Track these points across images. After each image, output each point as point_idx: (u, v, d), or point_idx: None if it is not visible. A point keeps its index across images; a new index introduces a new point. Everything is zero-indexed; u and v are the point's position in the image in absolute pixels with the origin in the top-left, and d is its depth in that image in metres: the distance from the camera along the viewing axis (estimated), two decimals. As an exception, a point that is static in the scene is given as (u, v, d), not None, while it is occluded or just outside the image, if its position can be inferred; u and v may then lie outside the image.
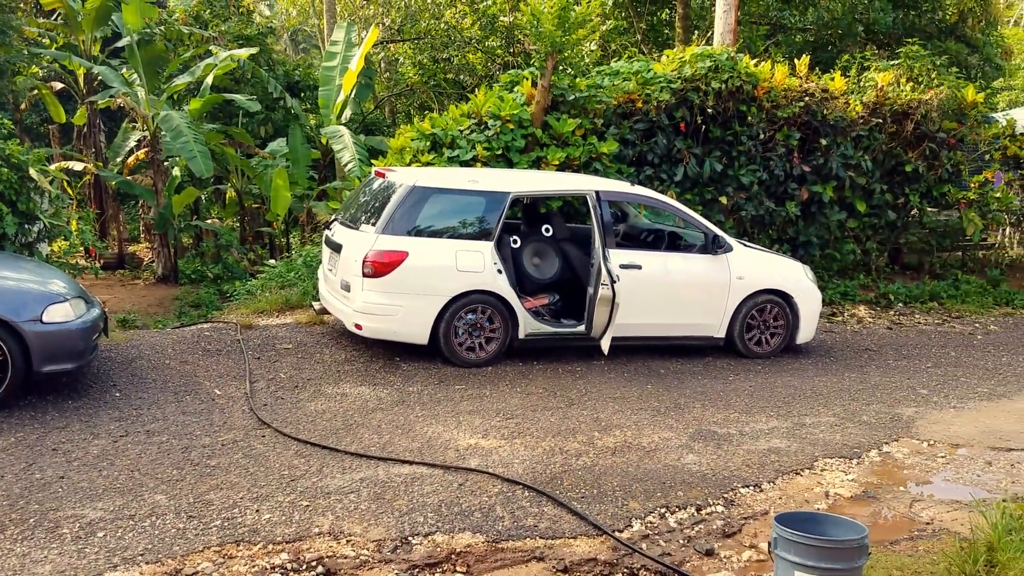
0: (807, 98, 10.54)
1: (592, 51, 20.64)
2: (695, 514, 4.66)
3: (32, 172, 7.55)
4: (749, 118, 10.37)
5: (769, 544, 3.27)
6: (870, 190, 10.95)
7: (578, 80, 10.11)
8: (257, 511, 4.34)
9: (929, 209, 11.81)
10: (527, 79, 9.97)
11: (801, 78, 10.79)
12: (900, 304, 10.71)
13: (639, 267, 7.41)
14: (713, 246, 7.75)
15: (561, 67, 9.96)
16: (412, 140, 9.24)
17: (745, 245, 8.35)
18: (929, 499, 4.95)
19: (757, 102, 10.40)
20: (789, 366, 7.80)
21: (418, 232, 6.88)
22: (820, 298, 8.27)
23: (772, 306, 7.96)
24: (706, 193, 10.41)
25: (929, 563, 3.75)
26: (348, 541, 4.10)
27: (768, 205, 10.55)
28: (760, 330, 8.00)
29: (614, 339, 7.29)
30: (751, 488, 5.00)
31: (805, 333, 8.12)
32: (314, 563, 3.91)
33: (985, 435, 6.12)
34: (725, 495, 4.89)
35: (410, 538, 4.16)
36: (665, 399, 6.59)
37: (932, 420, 6.39)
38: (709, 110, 10.15)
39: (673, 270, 7.70)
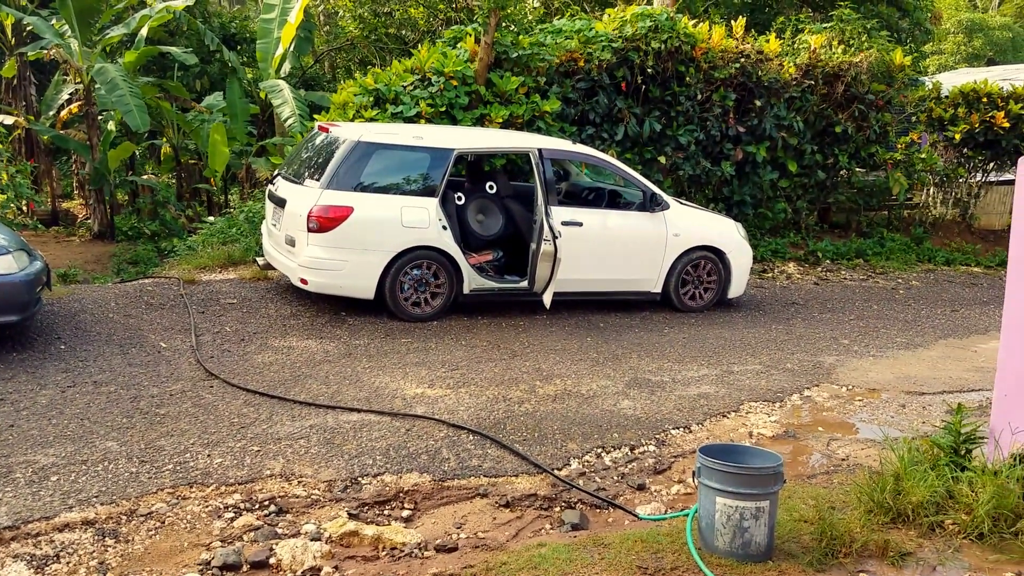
0: (743, 60, 10.81)
1: (535, 8, 20.60)
2: (629, 453, 4.95)
3: (-36, 124, 7.38)
4: (687, 79, 10.60)
5: (693, 473, 3.55)
6: (801, 150, 11.33)
7: (521, 38, 10.18)
8: (209, 456, 4.47)
9: (857, 169, 12.28)
10: (470, 35, 10.01)
11: (738, 40, 11.05)
12: (828, 261, 11.19)
13: (580, 224, 7.62)
14: (651, 204, 8.00)
15: (504, 24, 10.01)
16: (355, 95, 9.24)
17: (681, 203, 8.62)
18: (845, 438, 5.34)
19: (695, 63, 10.63)
20: (721, 319, 8.16)
21: (363, 188, 6.96)
22: (751, 254, 8.62)
23: (706, 262, 8.27)
24: (645, 152, 10.65)
25: (842, 493, 4.09)
26: (299, 482, 4.28)
27: (704, 165, 10.85)
28: (694, 285, 8.31)
29: (556, 294, 7.51)
30: (681, 430, 5.32)
31: (736, 288, 8.46)
32: (266, 502, 4.07)
33: (900, 381, 6.56)
34: (657, 436, 5.19)
35: (359, 478, 4.35)
36: (604, 350, 6.87)
37: (852, 368, 6.81)
38: (649, 70, 10.34)
39: (612, 227, 7.93)
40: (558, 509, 4.29)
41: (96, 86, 13.27)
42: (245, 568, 3.58)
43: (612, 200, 8.38)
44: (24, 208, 13.24)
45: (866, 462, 4.78)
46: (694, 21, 11.26)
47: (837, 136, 11.49)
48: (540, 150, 7.56)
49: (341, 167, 6.90)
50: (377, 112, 9.07)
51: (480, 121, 9.51)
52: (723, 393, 6.00)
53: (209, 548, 3.69)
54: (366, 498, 4.19)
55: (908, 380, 6.59)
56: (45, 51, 13.85)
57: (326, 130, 7.49)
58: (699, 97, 10.74)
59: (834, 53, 11.35)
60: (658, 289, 8.18)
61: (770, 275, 10.46)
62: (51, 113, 15.87)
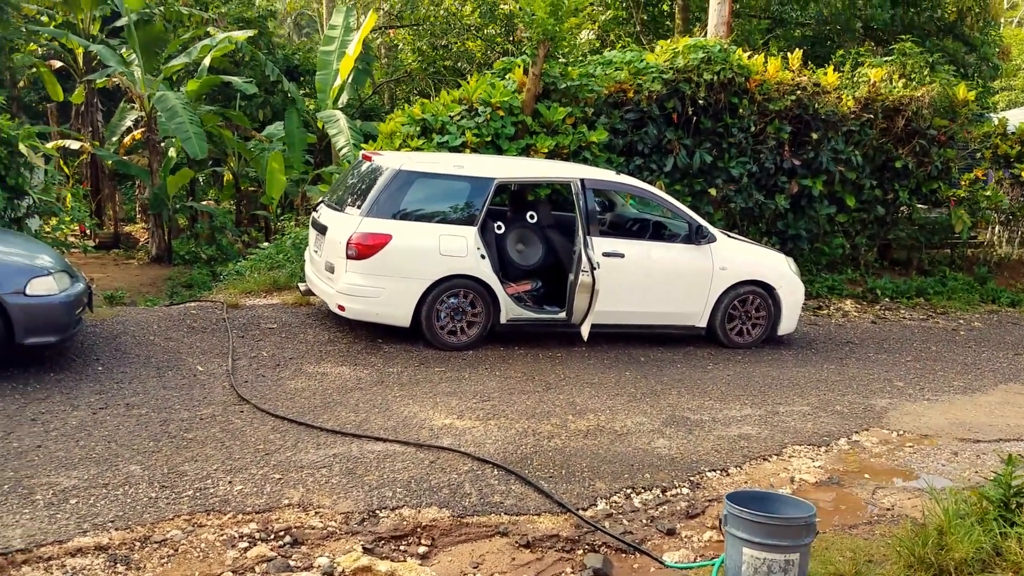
0: (799, 92, 10.59)
1: (590, 40, 20.65)
2: (660, 495, 4.75)
3: (21, 147, 7.61)
4: (740, 110, 10.43)
5: (720, 521, 3.35)
6: (860, 185, 11.01)
7: (570, 69, 10.16)
8: (230, 482, 4.42)
9: (919, 205, 11.88)
10: (519, 67, 10.02)
11: (794, 72, 10.84)
12: (886, 299, 10.79)
13: (622, 255, 7.48)
14: (697, 236, 7.82)
15: (555, 55, 10.00)
16: (402, 125, 9.30)
17: (729, 236, 8.42)
18: (892, 486, 5.04)
19: (749, 95, 10.46)
20: (769, 357, 7.88)
21: (403, 215, 6.95)
22: (803, 290, 8.34)
23: (754, 297, 8.03)
24: (695, 184, 10.47)
25: (883, 546, 3.84)
26: (317, 513, 4.19)
27: (757, 198, 10.61)
28: (742, 320, 8.07)
29: (596, 326, 7.36)
30: (718, 472, 5.09)
31: (787, 324, 8.19)
32: (282, 532, 4.00)
33: (955, 427, 6.21)
34: (692, 478, 4.97)
35: (378, 511, 4.25)
36: (642, 385, 6.67)
37: (904, 411, 6.48)
38: (700, 101, 10.20)
39: (656, 259, 7.76)
40: (581, 552, 4.12)
41: (158, 113, 13.65)
42: (253, 601, 3.50)
43: (657, 232, 8.22)
44: (81, 233, 13.62)
45: (912, 513, 4.49)
46: (749, 53, 11.09)
47: (897, 171, 11.14)
48: (582, 180, 7.46)
49: (382, 195, 6.90)
50: (423, 141, 9.10)
51: (526, 151, 9.47)
52: (766, 435, 5.75)
53: (220, 578, 3.63)
54: (383, 532, 4.08)
55: (963, 426, 6.23)
56: (110, 78, 14.33)
57: (369, 159, 7.51)
58: (752, 129, 10.54)
59: (894, 87, 11.05)
60: (703, 324, 7.95)
61: (825, 312, 10.12)
62: (115, 139, 16.39)
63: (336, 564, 3.76)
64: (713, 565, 3.48)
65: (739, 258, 8.03)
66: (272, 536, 3.97)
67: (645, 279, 7.64)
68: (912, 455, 5.60)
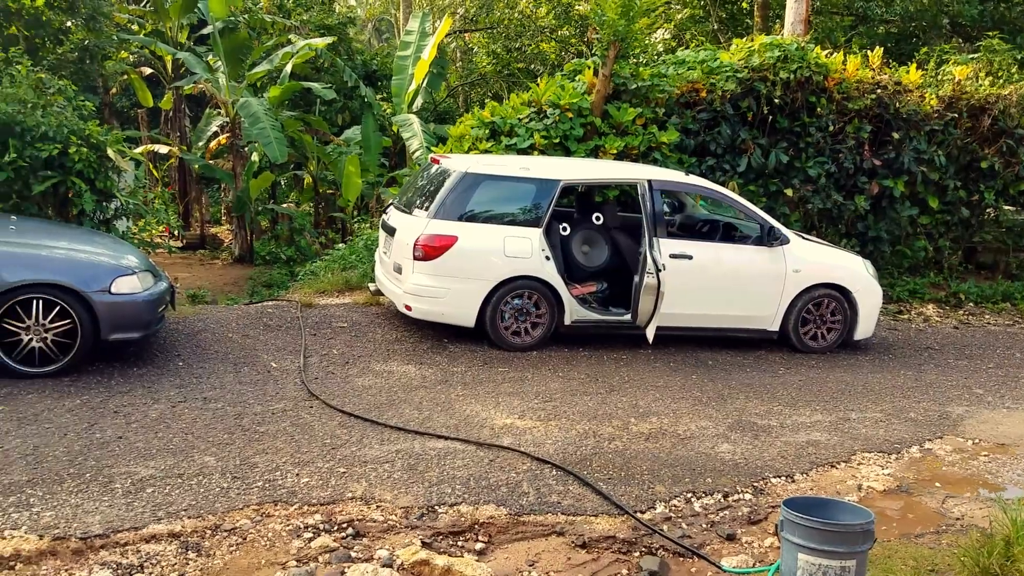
0: (880, 90, 10.29)
1: (665, 40, 20.46)
2: (721, 500, 4.69)
3: (110, 152, 8.00)
4: (818, 109, 10.21)
5: (776, 526, 3.31)
6: (943, 186, 10.62)
7: (642, 69, 10.10)
8: (297, 475, 4.57)
9: (1006, 207, 11.39)
10: (589, 68, 10.02)
11: (874, 70, 10.53)
12: (971, 304, 10.37)
13: (690, 257, 7.40)
14: (769, 238, 7.68)
15: (626, 56, 9.96)
16: (472, 128, 9.42)
17: (803, 237, 8.24)
18: (963, 496, 4.86)
19: (827, 93, 10.23)
20: (844, 362, 7.68)
21: (469, 217, 7.03)
22: (880, 294, 8.10)
23: (829, 300, 7.84)
24: (771, 185, 10.29)
25: (948, 555, 3.71)
26: (378, 507, 4.30)
27: (836, 198, 10.35)
28: (816, 324, 7.88)
29: (663, 329, 7.31)
30: (783, 478, 5.00)
31: (864, 329, 7.96)
32: (345, 525, 4.11)
33: (1037, 437, 5.94)
34: (755, 484, 4.90)
35: (436, 507, 4.33)
36: (708, 389, 6.60)
37: (982, 419, 6.23)
38: (776, 100, 10.03)
39: (726, 261, 7.65)
40: (637, 554, 4.10)
41: (241, 119, 14.13)
42: (315, 590, 3.61)
43: (728, 233, 8.10)
44: (163, 232, 14.20)
45: (982, 523, 4.33)
46: (827, 52, 10.83)
47: (983, 172, 10.69)
48: (649, 181, 7.41)
49: (448, 197, 7.00)
50: (492, 144, 9.19)
51: (594, 152, 9.46)
52: (835, 441, 5.61)
53: (284, 567, 3.76)
54: (441, 527, 4.15)
55: (1048, 437, 5.96)
56: (196, 84, 14.90)
57: (437, 161, 7.64)
58: (831, 128, 10.29)
59: (980, 85, 10.61)
60: (775, 327, 7.80)
61: (906, 317, 9.79)
62: (201, 144, 17.02)
63: (395, 557, 3.85)
64: (768, 570, 3.42)
65: (813, 260, 7.85)
66: (335, 528, 4.09)
67: (714, 281, 7.54)
68: (987, 464, 5.38)
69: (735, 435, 5.63)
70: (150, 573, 3.62)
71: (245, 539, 3.94)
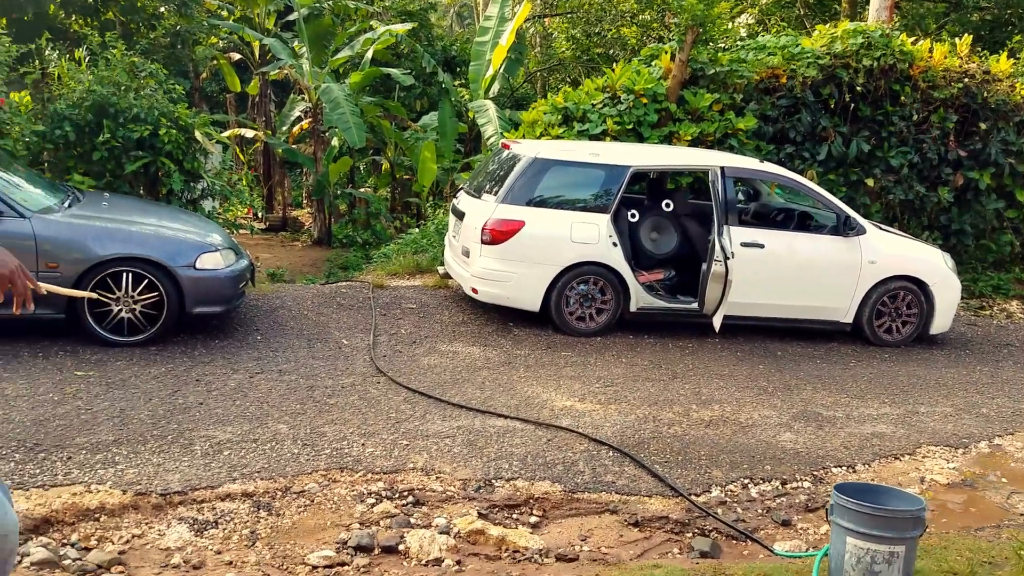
0: (967, 79, 9.92)
1: (749, 25, 20.06)
2: (779, 487, 4.69)
3: (197, 134, 8.38)
4: (902, 98, 9.92)
5: (826, 511, 3.31)
6: (1033, 178, 10.19)
7: (720, 54, 9.98)
8: (363, 445, 4.77)
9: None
10: (666, 53, 9.95)
11: (962, 58, 10.15)
12: (1059, 301, 9.94)
13: (762, 246, 7.32)
14: (845, 228, 7.53)
15: (705, 41, 9.85)
16: (544, 114, 9.48)
17: (881, 228, 8.05)
18: (1033, 495, 4.73)
19: (912, 82, 9.93)
20: (918, 356, 7.49)
21: (537, 202, 7.11)
22: (959, 288, 7.85)
23: (906, 293, 7.65)
24: (851, 174, 10.05)
25: (1007, 549, 3.64)
26: (438, 478, 4.45)
27: (918, 189, 10.05)
28: (891, 317, 7.71)
29: (732, 318, 7.27)
30: (844, 468, 4.96)
31: (940, 323, 7.75)
32: (405, 493, 4.28)
33: (1121, 439, 5.70)
34: (815, 472, 4.87)
35: (493, 481, 4.45)
36: (775, 379, 6.54)
37: (1060, 419, 6.02)
38: (859, 88, 9.79)
39: (799, 250, 7.54)
40: (690, 535, 4.15)
41: (322, 104, 14.51)
42: (376, 551, 3.79)
43: (802, 222, 7.97)
44: (254, 215, 14.72)
45: (1051, 523, 4.22)
46: (914, 38, 10.49)
47: (1076, 164, 10.20)
48: (722, 168, 7.35)
49: (517, 182, 7.10)
50: (564, 130, 9.24)
51: (668, 139, 9.41)
52: (900, 434, 5.51)
53: (348, 529, 3.95)
54: (497, 500, 4.28)
55: None
56: (281, 70, 15.36)
57: (507, 147, 7.74)
58: (915, 117, 9.98)
59: (1076, 74, 10.13)
60: (848, 319, 7.66)
61: (988, 312, 9.46)
62: (285, 128, 17.53)
63: (452, 525, 4.00)
64: (817, 555, 3.43)
65: (890, 252, 7.67)
66: (397, 495, 4.26)
67: (786, 271, 7.44)
68: (1064, 465, 5.22)
69: (798, 425, 5.59)
70: (224, 528, 3.85)
71: (312, 501, 4.15)
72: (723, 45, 11.23)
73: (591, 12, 21.93)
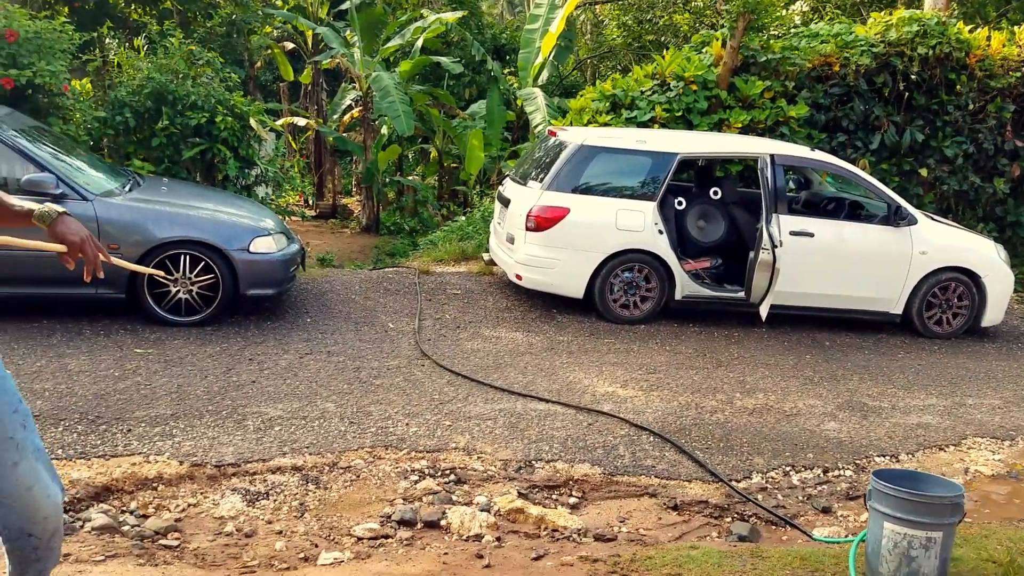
0: (1026, 68, 9.67)
1: (803, 12, 19.72)
2: (820, 475, 4.69)
3: (252, 122, 8.59)
4: (958, 87, 9.72)
5: (864, 496, 3.32)
6: (1094, 170, 9.89)
7: (772, 42, 9.88)
8: (407, 424, 4.89)
9: None
10: (717, 40, 9.88)
11: (1020, 47, 9.89)
12: (1120, 296, 9.64)
13: (811, 235, 7.27)
14: (896, 217, 7.43)
15: (757, 28, 9.76)
16: (592, 101, 9.49)
17: (933, 219, 7.92)
18: (1084, 490, 4.65)
19: (968, 70, 9.72)
20: (968, 348, 7.37)
21: (583, 190, 7.14)
22: (1012, 280, 7.69)
23: (957, 285, 7.52)
24: (904, 164, 9.90)
25: (1050, 542, 3.61)
26: (479, 458, 4.55)
27: (973, 180, 9.85)
28: (942, 309, 7.59)
29: (779, 307, 7.23)
30: (887, 458, 4.93)
31: (992, 316, 7.60)
32: (447, 471, 4.38)
33: None
34: (857, 461, 4.86)
35: (534, 462, 4.53)
36: (821, 369, 6.50)
37: (1116, 414, 5.88)
38: (913, 77, 9.63)
39: (848, 240, 7.46)
40: (729, 520, 4.18)
41: (373, 93, 14.69)
42: (419, 526, 3.90)
43: (853, 212, 7.88)
44: (305, 202, 14.98)
45: (1100, 517, 4.15)
46: (971, 27, 10.24)
47: None
48: (772, 155, 7.29)
49: (563, 169, 7.14)
50: (611, 117, 9.24)
51: (718, 126, 9.36)
52: (946, 425, 5.45)
53: (392, 504, 4.06)
54: (537, 481, 4.36)
55: None
56: (333, 59, 15.58)
57: (554, 134, 7.77)
58: (971, 107, 9.78)
59: None
60: (898, 310, 7.56)
61: (1044, 306, 9.22)
62: (336, 117, 17.77)
63: (493, 503, 4.09)
64: (854, 540, 3.44)
65: (941, 243, 7.55)
66: (439, 473, 4.37)
67: (835, 260, 7.37)
68: (1118, 460, 5.11)
69: (843, 414, 5.56)
70: (275, 500, 4.00)
71: (358, 477, 4.28)
72: (775, 32, 11.10)
73: (643, -1, 21.76)
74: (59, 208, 2.37)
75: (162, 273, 2.51)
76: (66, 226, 2.32)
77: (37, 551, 2.34)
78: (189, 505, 3.90)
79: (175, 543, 3.57)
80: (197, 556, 3.48)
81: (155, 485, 4.02)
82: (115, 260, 2.48)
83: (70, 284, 5.88)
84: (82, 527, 3.61)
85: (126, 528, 3.65)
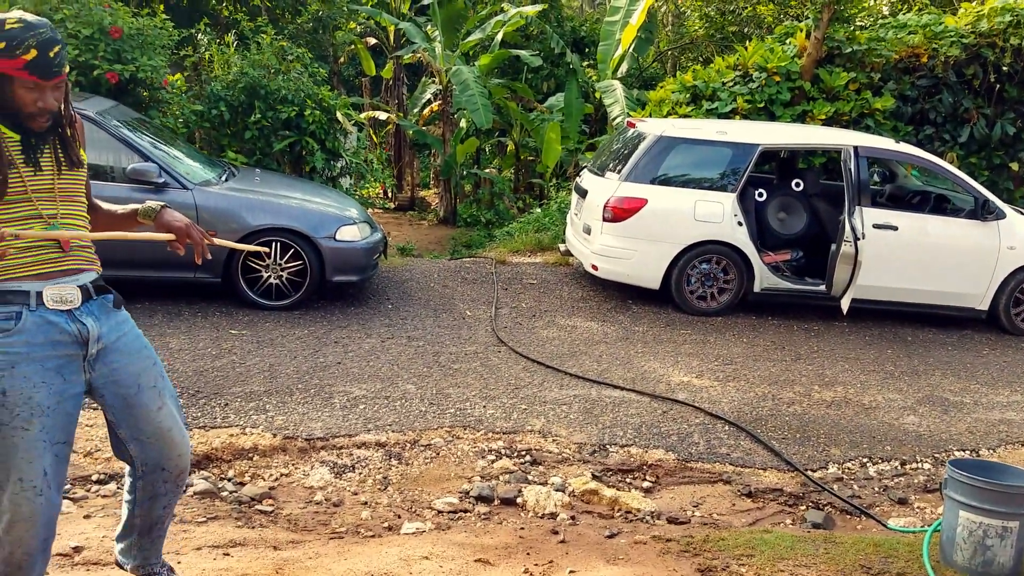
0: None
1: (892, 2, 19.14)
2: (898, 468, 4.66)
3: (338, 115, 8.88)
4: (1054, 79, 9.36)
5: (940, 485, 3.32)
6: None
7: (858, 33, 9.70)
8: (484, 407, 5.04)
9: None
10: (801, 31, 9.75)
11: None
12: None
13: (895, 228, 7.14)
14: (983, 212, 7.23)
15: (842, 19, 9.59)
16: (672, 92, 9.48)
17: (1021, 213, 7.67)
18: None
19: (1065, 62, 9.34)
20: (1061, 347, 7.13)
21: (661, 181, 7.17)
22: (1110, 277, 7.39)
23: (1047, 281, 7.29)
24: (995, 158, 9.59)
25: None
26: (554, 440, 4.67)
27: (1068, 174, 9.47)
28: (1031, 306, 7.37)
29: (861, 301, 7.13)
30: (967, 452, 4.86)
31: (1085, 314, 7.34)
32: (523, 452, 4.52)
33: None
34: (936, 455, 4.80)
35: (608, 446, 4.63)
36: (902, 364, 6.41)
37: None
38: (1005, 68, 9.31)
39: (933, 234, 7.30)
40: (803, 508, 4.20)
41: (452, 87, 14.93)
42: (496, 502, 4.05)
43: (938, 205, 7.69)
44: (384, 193, 15.32)
45: None
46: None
47: None
48: (855, 148, 7.19)
49: (641, 160, 7.18)
50: (692, 108, 9.22)
51: (801, 118, 9.25)
52: (1033, 423, 5.33)
53: (470, 481, 4.22)
54: (611, 464, 4.46)
55: None
56: (414, 54, 15.89)
57: (633, 125, 7.82)
58: (1068, 99, 9.40)
59: None
60: (984, 307, 7.36)
61: None
62: (416, 111, 18.11)
63: (567, 484, 4.21)
64: (928, 530, 3.44)
65: (1032, 238, 7.32)
66: (515, 454, 4.51)
67: (919, 254, 7.22)
68: None
69: (923, 409, 5.48)
70: (360, 473, 4.21)
71: (438, 454, 4.45)
72: (861, 23, 10.88)
73: (726, -11, 21.41)
74: (159, 202, 2.61)
75: (266, 249, 2.68)
76: (171, 216, 2.58)
77: (166, 484, 2.64)
78: (281, 475, 4.14)
79: (269, 509, 3.80)
80: (290, 521, 3.71)
81: (250, 455, 4.27)
82: (218, 240, 2.69)
83: (170, 268, 6.26)
84: (185, 491, 3.87)
85: (224, 493, 3.91)
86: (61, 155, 2.40)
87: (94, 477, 3.89)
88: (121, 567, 2.88)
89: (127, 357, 2.51)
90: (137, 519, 2.71)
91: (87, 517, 3.54)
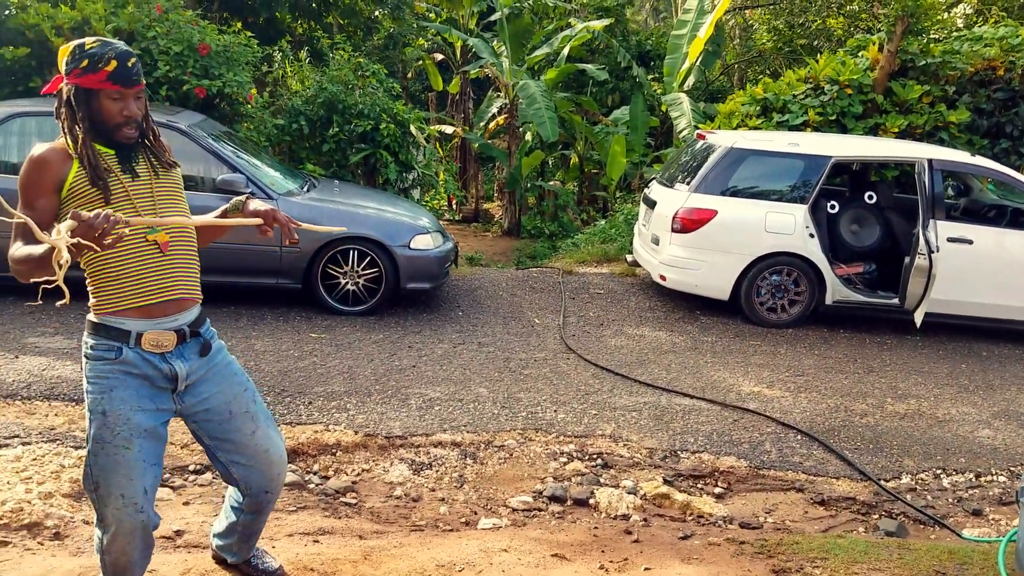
0: None
1: (967, 15, 18.74)
2: (973, 480, 4.61)
3: (412, 129, 9.14)
4: None
5: (1016, 496, 3.31)
6: None
7: (932, 45, 9.58)
8: (555, 411, 5.16)
9: None
10: (874, 44, 9.68)
11: None
12: None
13: (970, 242, 7.04)
14: (1062, 226, 7.09)
15: (916, 31, 9.49)
16: (742, 105, 9.50)
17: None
18: None
19: None
20: None
21: (731, 192, 7.20)
22: None
23: None
24: (1075, 172, 9.33)
25: None
26: (625, 445, 4.76)
27: None
28: (1113, 323, 7.16)
29: (936, 315, 7.04)
30: (1046, 468, 4.77)
31: None
32: (595, 456, 4.62)
33: None
34: (1012, 468, 4.74)
35: (679, 452, 4.70)
36: (977, 379, 6.31)
37: None
38: (1084, 81, 9.08)
39: (1010, 248, 7.17)
40: (876, 517, 4.21)
41: (519, 100, 15.15)
42: (569, 503, 4.16)
43: (1015, 219, 7.55)
44: (448, 203, 15.59)
45: None
46: None
47: None
48: (929, 160, 7.12)
49: (711, 172, 7.23)
50: (762, 121, 9.22)
51: (873, 131, 9.18)
52: (1118, 441, 5.20)
53: (543, 481, 4.34)
54: (682, 470, 4.52)
55: None
56: (481, 68, 16.17)
57: (703, 137, 7.87)
58: None
59: None
60: (1063, 323, 7.19)
61: None
62: (482, 124, 18.39)
63: (639, 487, 4.29)
64: (1003, 540, 3.42)
65: (1113, 253, 7.12)
66: (586, 457, 4.61)
67: (995, 268, 7.10)
68: None
69: (998, 423, 5.40)
70: (437, 470, 4.36)
71: (511, 455, 4.58)
72: (935, 36, 10.72)
73: (795, 3, 21.25)
74: (243, 195, 2.76)
75: (343, 229, 2.86)
76: (256, 204, 2.72)
77: (271, 503, 2.85)
78: (363, 470, 4.32)
79: (353, 501, 3.98)
80: (372, 514, 3.88)
81: (334, 451, 4.46)
82: (304, 225, 2.80)
83: (254, 274, 6.57)
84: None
85: (311, 486, 4.10)
86: (154, 160, 2.57)
87: (191, 467, 4.12)
88: (220, 562, 3.08)
89: (217, 386, 2.64)
90: (240, 527, 2.91)
91: (186, 504, 3.77)
